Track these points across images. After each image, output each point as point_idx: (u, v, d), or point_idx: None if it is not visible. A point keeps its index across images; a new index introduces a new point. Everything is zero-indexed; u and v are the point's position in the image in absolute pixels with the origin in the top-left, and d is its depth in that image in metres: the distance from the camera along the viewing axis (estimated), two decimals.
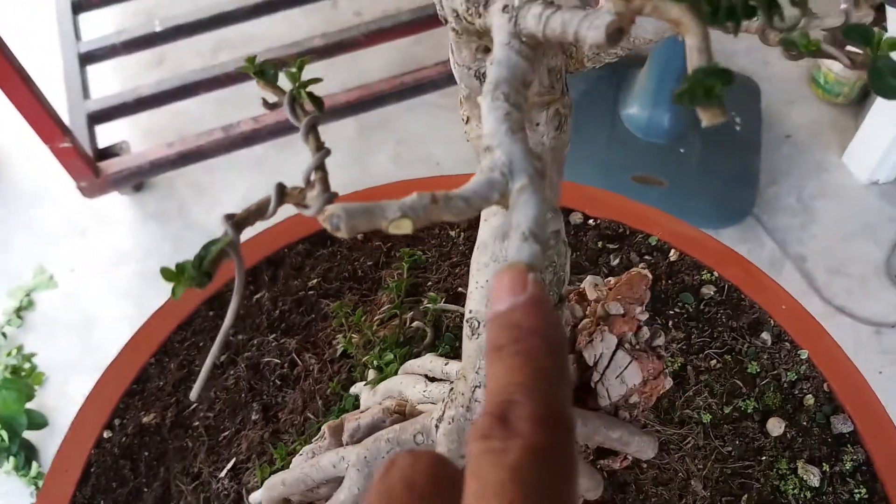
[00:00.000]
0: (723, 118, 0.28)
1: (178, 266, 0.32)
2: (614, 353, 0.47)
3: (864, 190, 1.58)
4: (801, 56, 0.40)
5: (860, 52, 0.38)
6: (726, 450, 0.72)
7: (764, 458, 0.72)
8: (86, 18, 1.74)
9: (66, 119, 1.45)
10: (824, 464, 0.72)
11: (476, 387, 0.41)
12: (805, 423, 0.74)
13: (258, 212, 0.35)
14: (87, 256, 1.56)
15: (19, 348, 1.44)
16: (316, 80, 0.37)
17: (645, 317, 0.49)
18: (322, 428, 0.46)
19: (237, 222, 0.34)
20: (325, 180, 0.35)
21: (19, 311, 1.49)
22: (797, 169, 1.61)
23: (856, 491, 0.70)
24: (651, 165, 1.51)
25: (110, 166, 1.51)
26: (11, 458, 1.29)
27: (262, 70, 0.39)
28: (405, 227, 0.31)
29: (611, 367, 0.46)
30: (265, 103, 0.39)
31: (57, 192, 1.63)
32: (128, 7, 1.78)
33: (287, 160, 1.65)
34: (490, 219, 0.42)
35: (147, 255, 1.55)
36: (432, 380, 0.47)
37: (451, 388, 0.43)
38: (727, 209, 1.51)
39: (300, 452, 0.46)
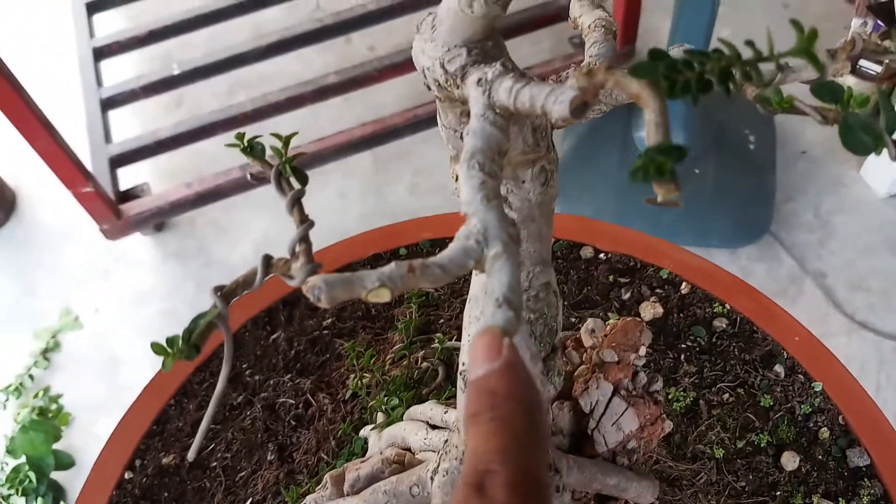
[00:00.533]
0: (677, 193, 0.28)
1: (167, 340, 0.33)
2: (610, 399, 0.47)
3: (882, 204, 1.57)
4: (776, 112, 0.41)
5: (831, 108, 0.39)
6: (740, 485, 0.71)
7: (778, 493, 0.71)
8: (107, 65, 1.79)
9: (88, 164, 1.49)
10: (840, 499, 0.71)
11: None
12: (820, 457, 0.73)
13: (245, 283, 0.37)
14: (111, 297, 1.60)
15: (46, 389, 1.47)
16: (300, 155, 0.39)
17: (642, 362, 0.49)
18: (325, 477, 0.47)
19: (225, 294, 0.35)
20: (308, 252, 0.36)
21: (46, 353, 1.52)
22: (814, 185, 1.60)
23: None
24: None
25: (132, 208, 1.54)
26: (40, 499, 1.32)
27: (251, 146, 0.40)
28: (384, 296, 0.32)
29: (607, 414, 0.47)
30: (252, 176, 0.40)
31: (80, 235, 1.67)
32: (146, 52, 1.83)
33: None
34: (481, 273, 0.43)
35: (169, 294, 1.58)
36: (433, 427, 0.48)
37: (446, 441, 0.43)
38: (744, 228, 1.50)
39: (304, 502, 0.47)
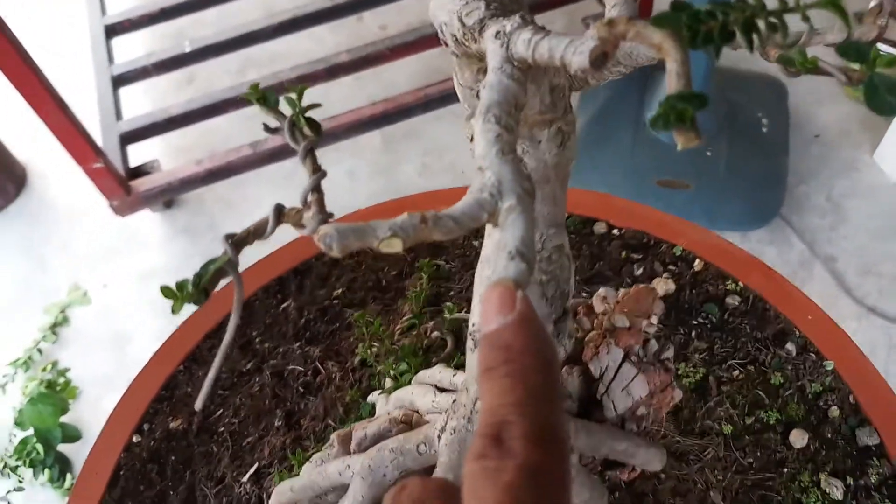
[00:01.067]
0: (697, 142, 0.28)
1: (177, 284, 0.33)
2: (620, 365, 0.47)
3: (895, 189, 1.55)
4: (800, 73, 0.40)
5: (856, 68, 0.38)
6: (747, 461, 0.71)
7: (786, 470, 0.71)
8: (118, 42, 1.79)
9: (99, 140, 1.49)
10: (848, 477, 0.70)
11: (477, 398, 0.41)
12: (829, 436, 0.73)
13: (257, 232, 0.37)
14: (119, 273, 1.60)
15: (54, 363, 1.48)
16: (315, 106, 0.38)
17: (653, 329, 0.49)
18: (331, 436, 0.47)
19: (236, 242, 0.35)
20: (320, 202, 0.36)
21: (54, 328, 1.53)
22: (827, 168, 1.59)
23: None
24: (677, 169, 1.49)
25: (142, 184, 1.54)
26: (46, 471, 1.33)
27: (265, 97, 0.40)
28: (395, 247, 0.32)
29: (616, 379, 0.46)
30: (266, 128, 0.40)
31: (90, 211, 1.67)
32: (157, 30, 1.82)
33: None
34: (493, 233, 0.43)
35: (178, 270, 1.58)
36: (442, 390, 0.48)
37: (454, 400, 0.43)
38: (755, 210, 1.49)
39: (310, 460, 0.47)
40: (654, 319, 0.48)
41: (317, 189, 0.36)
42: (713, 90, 1.52)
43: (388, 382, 0.67)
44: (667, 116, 0.28)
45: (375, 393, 0.65)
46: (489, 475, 0.19)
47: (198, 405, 0.35)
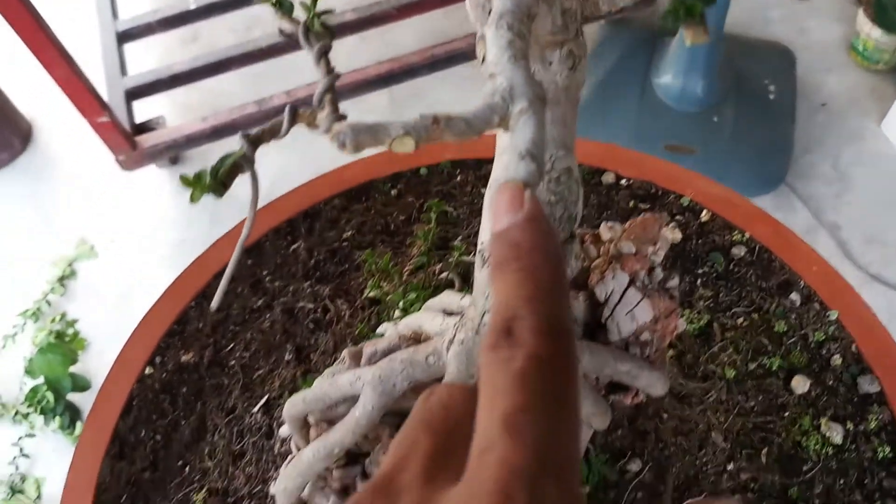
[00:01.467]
0: (705, 38, 0.28)
1: (196, 174, 0.34)
2: (625, 290, 0.47)
3: None
4: None
5: None
6: (749, 405, 0.72)
7: (787, 414, 0.72)
8: None
9: (104, 95, 1.49)
10: (848, 422, 0.71)
11: (485, 312, 0.42)
12: (831, 383, 0.74)
13: (272, 131, 0.37)
14: (126, 228, 1.61)
15: (63, 315, 1.49)
16: (328, 12, 0.39)
17: (658, 258, 0.49)
18: (342, 353, 0.48)
19: (253, 139, 0.36)
20: (334, 102, 0.36)
21: (62, 280, 1.54)
22: (833, 137, 1.58)
23: (879, 450, 0.69)
24: (683, 134, 1.49)
25: (147, 140, 1.55)
26: (57, 418, 1.35)
27: (280, 2, 0.40)
28: (408, 146, 0.32)
29: (621, 303, 0.47)
30: (281, 32, 0.40)
31: (96, 166, 1.67)
32: None
33: (318, 136, 1.67)
34: (503, 155, 0.43)
35: (184, 226, 1.59)
36: (450, 314, 0.48)
37: (462, 315, 0.44)
38: (760, 177, 1.50)
39: (322, 374, 0.48)
40: (660, 249, 0.49)
41: (330, 90, 0.37)
42: (721, 57, 1.51)
43: (397, 314, 0.67)
44: (676, 12, 0.29)
45: (386, 323, 0.66)
46: (501, 364, 0.20)
47: (213, 306, 0.35)
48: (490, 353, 0.21)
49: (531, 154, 0.30)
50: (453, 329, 0.43)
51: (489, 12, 0.46)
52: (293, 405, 0.47)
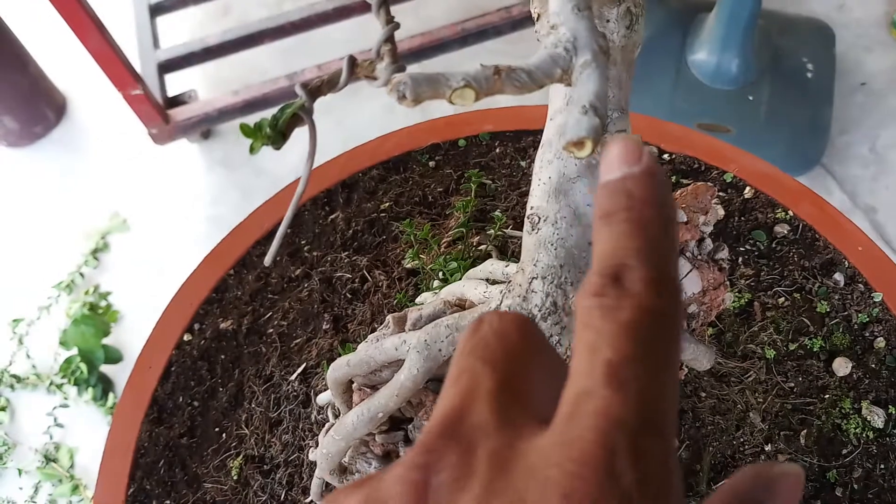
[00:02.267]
0: None
1: (255, 124, 0.33)
2: None
3: None
4: None
5: None
6: (788, 385, 0.71)
7: (827, 396, 0.71)
8: None
9: (137, 68, 1.50)
10: (891, 406, 0.70)
11: (533, 278, 0.42)
12: (874, 366, 0.73)
13: (331, 82, 0.37)
14: (158, 202, 1.62)
15: (96, 287, 1.51)
16: None
17: (709, 229, 0.48)
18: (387, 318, 0.47)
19: (311, 90, 0.35)
20: (393, 52, 0.36)
21: (95, 253, 1.56)
22: (871, 118, 1.55)
23: None
24: (718, 113, 1.47)
25: (179, 113, 1.55)
26: (90, 389, 1.37)
27: None
28: (468, 98, 0.32)
29: None
30: None
31: (129, 139, 1.69)
32: None
33: (352, 108, 1.67)
34: (556, 117, 0.43)
35: (215, 200, 1.60)
36: (494, 283, 0.48)
37: (509, 282, 0.44)
38: (795, 158, 1.47)
39: (366, 339, 0.48)
40: (710, 218, 0.48)
41: (390, 40, 0.36)
42: (758, 33, 1.48)
43: (437, 284, 0.67)
44: None
45: (425, 293, 0.66)
46: (607, 312, 0.19)
47: (267, 260, 0.35)
48: (593, 298, 0.20)
49: (594, 107, 0.29)
50: (500, 296, 0.43)
51: None
52: (337, 368, 0.47)
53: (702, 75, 1.50)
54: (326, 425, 0.55)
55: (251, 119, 1.45)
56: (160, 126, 1.54)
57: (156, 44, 1.64)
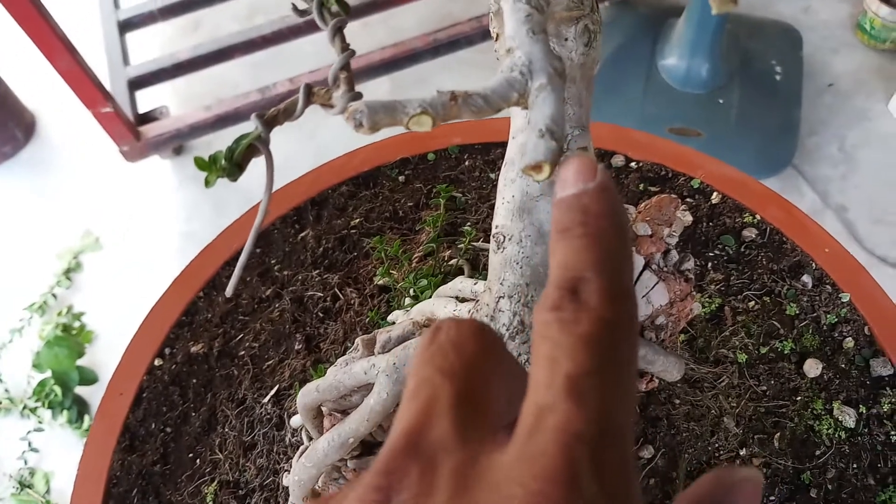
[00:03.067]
0: (733, 5, 0.28)
1: (210, 157, 0.33)
2: (641, 273, 0.47)
3: None
4: None
5: None
6: (761, 389, 0.72)
7: (799, 398, 0.71)
8: None
9: (107, 85, 1.49)
10: (861, 406, 0.71)
11: (500, 297, 0.42)
12: (843, 366, 0.73)
13: (287, 111, 0.37)
14: (130, 219, 1.61)
15: (69, 308, 1.49)
16: None
17: (674, 240, 0.49)
18: (356, 341, 0.47)
19: (267, 120, 0.35)
20: (349, 80, 0.36)
21: (68, 273, 1.54)
22: (839, 118, 1.57)
23: (893, 433, 0.69)
24: (688, 117, 1.48)
25: (151, 130, 1.54)
26: (65, 412, 1.35)
27: None
28: (425, 124, 0.32)
29: (637, 286, 0.47)
30: (295, 9, 0.40)
31: (99, 157, 1.67)
32: None
33: (324, 120, 1.66)
34: (518, 136, 0.43)
35: (189, 216, 1.59)
36: (462, 300, 0.48)
37: (477, 301, 0.44)
38: (766, 160, 1.49)
39: (335, 363, 0.48)
40: (675, 230, 0.48)
41: (346, 68, 0.36)
42: (727, 37, 1.50)
43: (408, 301, 0.67)
44: None
45: (397, 311, 0.66)
46: (565, 324, 0.19)
47: (228, 292, 0.35)
48: (551, 312, 0.20)
49: (551, 131, 0.29)
50: (468, 315, 0.43)
51: None
52: (306, 394, 0.46)
53: (672, 80, 1.52)
54: (300, 448, 0.54)
55: (223, 134, 1.45)
56: (131, 143, 1.52)
57: (125, 60, 1.62)
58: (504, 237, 0.41)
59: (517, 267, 0.41)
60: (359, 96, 0.35)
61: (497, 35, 0.45)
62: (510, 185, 0.42)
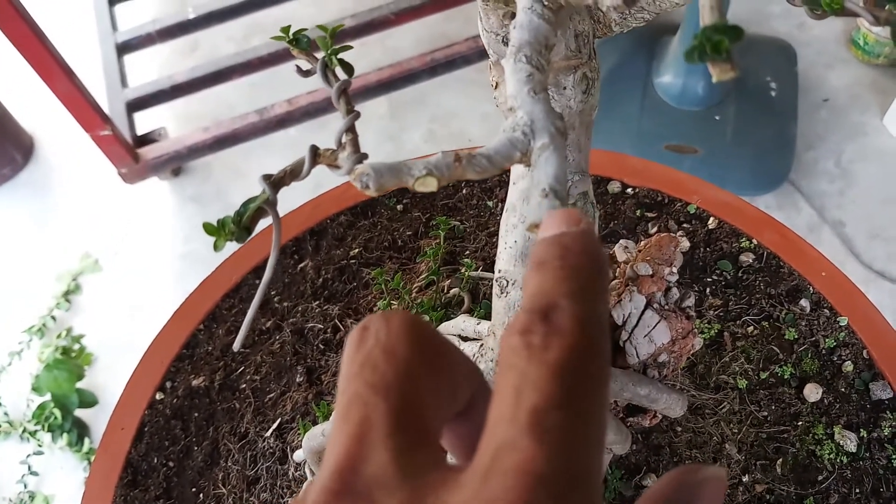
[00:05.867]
0: (732, 74, 0.28)
1: (218, 221, 0.33)
2: (643, 312, 0.47)
3: None
4: (826, 15, 0.40)
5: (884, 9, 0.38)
6: (762, 415, 0.72)
7: (800, 423, 0.72)
8: (122, 9, 1.78)
9: (105, 108, 1.49)
10: (862, 430, 0.71)
11: None
12: (843, 390, 0.74)
13: (293, 173, 0.37)
14: (130, 240, 1.61)
15: (68, 330, 1.49)
16: (347, 48, 0.38)
17: (674, 278, 0.49)
18: None
19: (274, 182, 0.36)
20: (355, 142, 0.36)
21: (67, 295, 1.54)
22: (835, 133, 1.58)
23: (894, 456, 0.69)
24: (685, 134, 1.49)
25: (149, 152, 1.54)
26: (65, 435, 1.35)
27: (297, 39, 0.40)
28: (430, 185, 0.32)
29: (639, 326, 0.47)
30: (299, 70, 0.40)
31: (98, 179, 1.67)
32: None
33: (321, 141, 1.66)
34: (518, 182, 0.43)
35: (187, 238, 1.59)
36: (465, 339, 0.48)
37: (482, 345, 0.44)
38: (763, 176, 1.49)
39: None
40: (675, 268, 0.49)
41: (351, 129, 0.36)
42: None
43: None
44: (702, 48, 0.28)
45: None
46: (533, 351, 0.18)
47: (236, 346, 0.35)
48: (519, 336, 0.18)
49: (554, 191, 0.30)
50: (473, 357, 0.43)
51: (502, 40, 0.46)
52: (312, 438, 0.47)
53: (668, 97, 1.53)
54: (305, 483, 0.54)
55: (221, 155, 1.45)
56: (130, 165, 1.53)
57: (123, 83, 1.63)
58: (507, 282, 0.42)
59: None
60: (364, 157, 0.36)
61: (496, 84, 0.45)
62: (512, 231, 0.42)
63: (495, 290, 0.42)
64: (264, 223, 0.85)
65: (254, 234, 0.78)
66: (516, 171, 0.44)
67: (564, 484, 0.16)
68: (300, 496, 0.19)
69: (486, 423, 0.18)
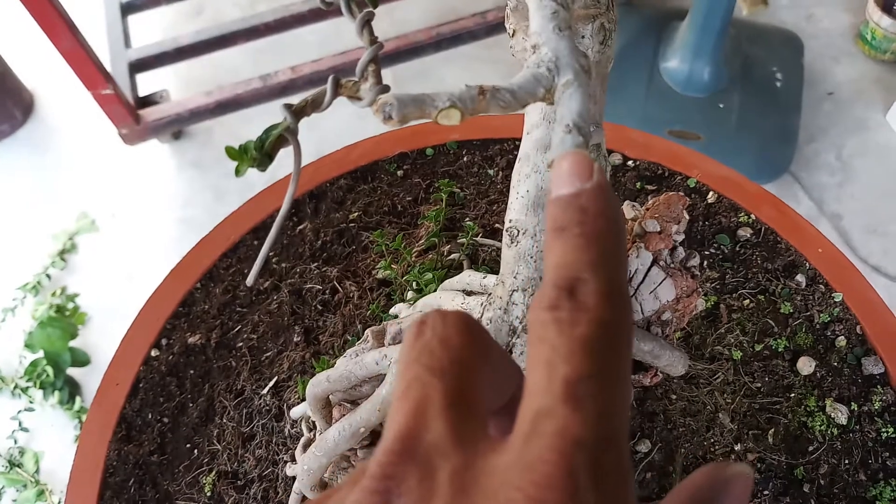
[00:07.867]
0: (763, 6, 0.28)
1: (241, 146, 0.33)
2: (649, 269, 0.48)
3: None
4: None
5: None
6: (755, 386, 0.73)
7: (792, 395, 0.72)
8: None
9: (108, 67, 1.48)
10: (853, 403, 0.72)
11: (513, 291, 0.42)
12: (836, 364, 0.74)
13: (315, 102, 0.37)
14: (128, 202, 1.60)
15: (63, 289, 1.49)
16: None
17: (681, 237, 0.49)
18: (365, 332, 0.47)
19: (296, 111, 0.36)
20: (377, 73, 0.36)
21: (62, 254, 1.53)
22: (838, 126, 1.59)
23: (883, 430, 0.70)
24: (689, 120, 1.49)
25: (150, 114, 1.54)
26: (56, 392, 1.35)
27: None
28: (454, 118, 0.32)
29: (645, 282, 0.47)
30: (322, 1, 0.40)
31: (98, 139, 1.66)
32: None
33: (326, 112, 1.66)
34: (532, 131, 0.43)
35: (186, 202, 1.59)
36: (470, 293, 0.48)
37: (489, 295, 0.44)
38: (764, 165, 1.50)
39: (344, 354, 0.48)
40: (682, 227, 0.49)
41: (374, 60, 0.36)
42: (729, 42, 1.51)
43: (411, 294, 0.67)
44: None
45: (400, 304, 0.66)
46: (562, 326, 0.19)
47: (249, 281, 0.35)
48: (548, 312, 0.20)
49: (578, 126, 0.30)
50: (480, 308, 0.43)
51: None
52: (317, 384, 0.47)
53: (674, 82, 1.53)
54: (302, 439, 0.55)
55: (223, 120, 1.45)
56: (131, 126, 1.52)
57: (127, 43, 1.62)
58: (518, 231, 0.42)
59: (531, 261, 0.42)
60: (387, 89, 0.36)
61: (514, 31, 0.45)
62: (525, 181, 0.42)
63: (505, 239, 0.43)
64: (259, 186, 0.84)
65: (252, 197, 0.77)
66: (531, 120, 0.44)
67: (598, 445, 0.18)
68: (359, 466, 0.21)
69: (522, 393, 0.20)
